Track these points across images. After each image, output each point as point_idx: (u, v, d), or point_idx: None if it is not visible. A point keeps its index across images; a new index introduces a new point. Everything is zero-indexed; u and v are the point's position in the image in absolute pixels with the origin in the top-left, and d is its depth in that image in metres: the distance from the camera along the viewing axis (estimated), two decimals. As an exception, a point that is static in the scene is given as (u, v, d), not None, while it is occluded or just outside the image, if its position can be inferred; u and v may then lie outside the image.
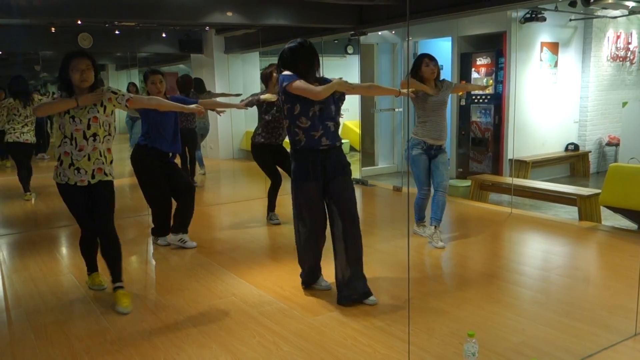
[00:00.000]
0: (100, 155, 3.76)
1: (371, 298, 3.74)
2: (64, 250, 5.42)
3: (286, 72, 3.67)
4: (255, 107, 5.71)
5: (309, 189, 3.72)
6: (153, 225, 5.31)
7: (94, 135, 3.70)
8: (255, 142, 5.73)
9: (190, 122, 7.71)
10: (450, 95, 5.21)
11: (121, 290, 3.84)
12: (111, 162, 3.85)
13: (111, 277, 3.87)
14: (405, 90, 4.63)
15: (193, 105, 4.36)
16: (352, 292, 3.72)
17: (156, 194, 5.04)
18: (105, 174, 3.80)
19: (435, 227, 5.03)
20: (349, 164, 3.88)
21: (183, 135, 7.57)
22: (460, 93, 5.87)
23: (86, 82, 3.64)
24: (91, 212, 3.82)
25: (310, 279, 4.03)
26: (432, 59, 4.98)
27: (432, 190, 5.12)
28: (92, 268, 4.16)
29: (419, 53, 9.85)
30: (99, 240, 3.90)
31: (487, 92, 8.69)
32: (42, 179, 7.80)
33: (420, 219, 5.32)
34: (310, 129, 3.66)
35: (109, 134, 3.81)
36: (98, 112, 3.71)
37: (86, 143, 3.68)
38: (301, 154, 3.73)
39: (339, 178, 3.75)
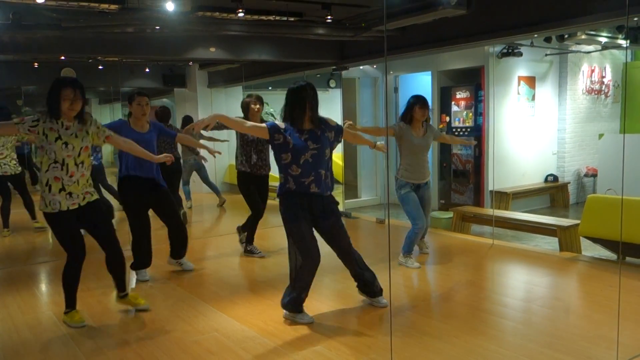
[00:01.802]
0: (87, 182, 3.95)
1: (383, 301, 4.25)
2: (43, 287, 5.33)
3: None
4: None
5: (300, 226, 3.87)
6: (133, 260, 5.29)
7: (82, 163, 3.88)
8: (239, 170, 5.77)
9: (170, 152, 7.63)
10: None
11: (130, 294, 4.30)
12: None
13: (117, 288, 4.25)
14: (380, 144, 4.96)
15: (162, 156, 4.43)
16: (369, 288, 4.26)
17: (135, 223, 5.06)
18: (91, 194, 4.00)
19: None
20: (337, 204, 4.08)
21: (164, 166, 7.55)
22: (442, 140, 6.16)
23: (74, 111, 3.80)
24: (81, 237, 3.96)
25: (295, 307, 4.02)
26: (424, 104, 5.29)
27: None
28: (71, 304, 4.11)
29: (399, 87, 10.15)
30: (106, 254, 4.13)
31: (466, 124, 8.85)
32: (21, 214, 7.70)
33: (408, 252, 5.39)
34: (300, 176, 3.82)
35: (90, 164, 4.01)
36: (89, 141, 3.92)
37: (76, 169, 3.85)
38: (290, 198, 3.88)
39: (330, 220, 3.99)
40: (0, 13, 5.19)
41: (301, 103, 3.83)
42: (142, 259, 5.16)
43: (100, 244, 4.10)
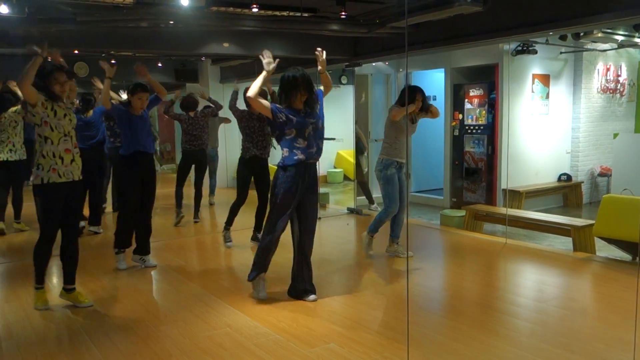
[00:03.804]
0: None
1: (311, 296, 4.40)
2: (55, 279, 5.35)
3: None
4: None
5: (291, 200, 4.22)
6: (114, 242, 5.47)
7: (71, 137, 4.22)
8: (245, 157, 6.00)
9: (198, 143, 7.52)
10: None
11: (77, 291, 4.42)
12: None
13: (67, 279, 4.38)
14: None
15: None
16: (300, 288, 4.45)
17: (131, 199, 5.25)
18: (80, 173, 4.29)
19: (398, 242, 5.66)
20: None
21: (190, 154, 7.46)
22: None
23: (64, 94, 4.14)
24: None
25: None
26: (422, 94, 5.43)
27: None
28: (42, 281, 4.36)
29: (412, 84, 10.08)
30: (63, 240, 4.31)
31: (479, 122, 8.79)
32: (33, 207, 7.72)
33: (374, 232, 5.63)
34: (307, 147, 4.21)
35: None
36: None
37: (72, 146, 4.20)
38: (295, 167, 4.19)
39: (315, 196, 4.42)
40: (16, 7, 5.20)
41: (295, 91, 4.19)
42: (127, 238, 5.35)
43: (64, 227, 4.27)
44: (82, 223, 6.95)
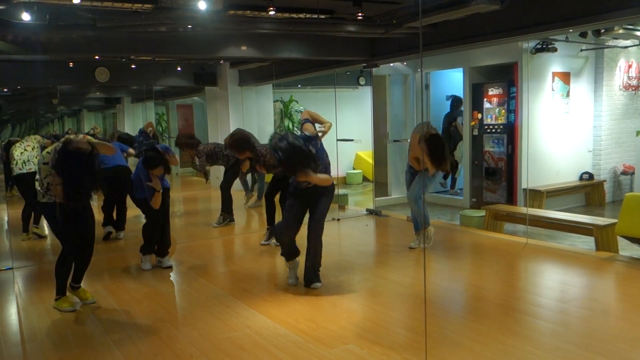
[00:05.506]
0: None
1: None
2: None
3: None
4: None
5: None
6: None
7: None
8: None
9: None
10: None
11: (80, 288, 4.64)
12: None
13: (77, 280, 4.58)
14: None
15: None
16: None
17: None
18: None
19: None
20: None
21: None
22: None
23: None
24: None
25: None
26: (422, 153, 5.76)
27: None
28: (63, 292, 4.49)
29: (430, 84, 10.05)
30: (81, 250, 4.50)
31: (499, 121, 8.72)
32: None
33: (415, 227, 6.01)
34: None
35: None
36: None
37: None
38: None
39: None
40: (38, 14, 5.29)
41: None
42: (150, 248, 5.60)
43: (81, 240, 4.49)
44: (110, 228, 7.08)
